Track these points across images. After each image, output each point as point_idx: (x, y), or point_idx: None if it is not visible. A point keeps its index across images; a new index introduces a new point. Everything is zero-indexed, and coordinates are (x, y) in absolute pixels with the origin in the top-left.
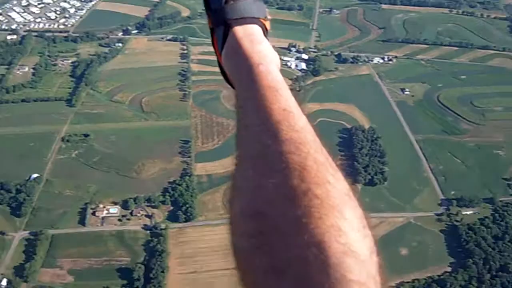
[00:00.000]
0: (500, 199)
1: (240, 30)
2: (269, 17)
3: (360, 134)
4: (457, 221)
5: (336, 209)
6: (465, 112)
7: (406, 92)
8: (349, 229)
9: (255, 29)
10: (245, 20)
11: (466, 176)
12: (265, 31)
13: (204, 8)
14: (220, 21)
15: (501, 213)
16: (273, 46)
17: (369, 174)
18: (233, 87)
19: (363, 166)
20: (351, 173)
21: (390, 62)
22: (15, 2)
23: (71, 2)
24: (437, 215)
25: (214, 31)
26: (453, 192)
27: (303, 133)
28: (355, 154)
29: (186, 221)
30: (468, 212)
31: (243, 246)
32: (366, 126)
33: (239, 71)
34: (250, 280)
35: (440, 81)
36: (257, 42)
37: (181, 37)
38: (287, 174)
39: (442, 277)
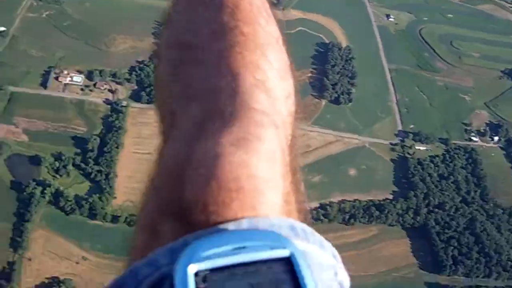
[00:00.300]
0: (454, 141)
1: None
2: None
3: (335, 51)
4: (409, 154)
5: (259, 48)
6: (443, 51)
7: (390, 19)
8: (268, 68)
9: None
10: None
11: (428, 113)
12: None
13: None
14: None
15: (452, 155)
16: None
17: (336, 92)
18: None
19: (332, 83)
20: (319, 88)
21: None
22: None
23: None
24: (392, 144)
25: None
26: (411, 126)
27: None
28: (327, 70)
29: (148, 102)
30: (421, 148)
31: (163, 73)
32: (344, 45)
33: None
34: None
35: (427, 15)
36: None
37: None
38: (219, 10)
39: (382, 202)
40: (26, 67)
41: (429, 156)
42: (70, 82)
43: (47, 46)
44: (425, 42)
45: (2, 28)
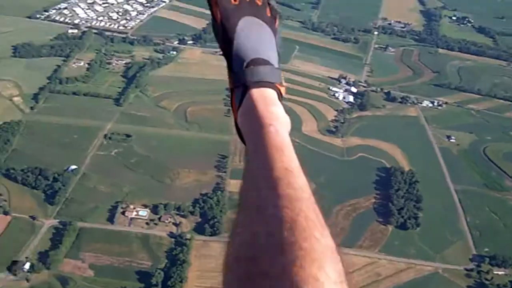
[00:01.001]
0: None
1: (256, 92)
2: (284, 83)
3: (398, 175)
4: (486, 279)
5: (317, 261)
6: (511, 169)
7: (451, 140)
8: (325, 279)
9: (270, 92)
10: (262, 84)
11: (502, 234)
12: (280, 96)
13: (227, 69)
14: (240, 83)
15: None
16: (323, 76)
17: (403, 217)
18: (245, 144)
19: (397, 208)
20: (384, 214)
21: (440, 107)
22: None
23: (134, 6)
24: (467, 270)
25: (233, 91)
26: (486, 249)
27: (299, 191)
28: (391, 195)
29: (211, 235)
30: (499, 272)
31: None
32: (406, 168)
33: (251, 129)
34: None
35: (489, 134)
36: (270, 104)
37: None
38: (279, 226)
39: None
40: (94, 202)
41: (509, 281)
42: (136, 217)
43: (115, 182)
44: (491, 161)
45: (74, 167)
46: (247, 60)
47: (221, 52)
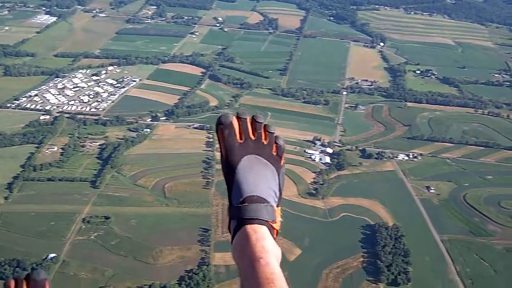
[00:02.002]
0: None
1: (248, 228)
2: (278, 220)
3: (383, 232)
4: None
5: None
6: (492, 213)
7: (431, 190)
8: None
9: (262, 229)
10: (254, 220)
11: (494, 280)
12: (273, 231)
13: (228, 199)
14: (235, 217)
15: None
16: (297, 139)
17: (392, 273)
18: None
19: (386, 264)
20: (374, 272)
21: (415, 159)
22: (51, 84)
23: (105, 87)
24: None
25: (230, 221)
26: None
27: None
28: (378, 251)
29: None
30: None
31: None
32: (390, 223)
33: (243, 263)
34: None
35: (466, 181)
36: (261, 239)
37: (208, 125)
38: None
39: None
40: None
41: None
42: None
43: (97, 267)
44: (472, 207)
45: (53, 255)
46: (243, 196)
47: (194, 126)
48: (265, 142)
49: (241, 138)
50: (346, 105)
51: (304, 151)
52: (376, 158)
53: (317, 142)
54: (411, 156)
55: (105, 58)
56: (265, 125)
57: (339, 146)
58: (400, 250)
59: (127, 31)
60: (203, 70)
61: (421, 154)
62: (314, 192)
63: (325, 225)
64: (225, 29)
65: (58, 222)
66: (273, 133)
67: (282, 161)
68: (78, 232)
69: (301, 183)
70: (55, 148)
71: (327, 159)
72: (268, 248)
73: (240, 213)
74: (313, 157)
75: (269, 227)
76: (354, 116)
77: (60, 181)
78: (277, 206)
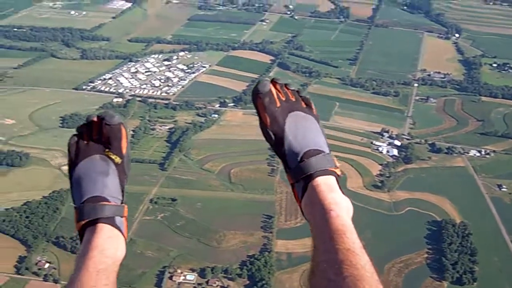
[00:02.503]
0: None
1: (314, 183)
2: (338, 164)
3: (450, 229)
4: None
5: None
6: None
7: (503, 189)
8: None
9: (329, 179)
10: (317, 173)
11: None
12: (337, 177)
13: (284, 167)
14: (298, 177)
15: None
16: (365, 131)
17: (458, 272)
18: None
19: (451, 262)
20: (438, 269)
21: (488, 156)
22: (125, 68)
23: (175, 72)
24: None
25: (294, 186)
26: None
27: (362, 271)
28: (444, 249)
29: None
30: None
31: None
32: (458, 221)
33: (314, 217)
34: None
35: None
36: (329, 191)
37: None
38: None
39: None
40: (142, 268)
41: None
42: (184, 281)
43: (162, 246)
44: None
45: None
46: (300, 155)
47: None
48: (294, 99)
49: (278, 103)
50: (417, 98)
51: (371, 143)
52: (446, 153)
53: (385, 134)
54: (483, 153)
55: (176, 44)
56: (285, 84)
57: (407, 139)
58: (467, 248)
59: (198, 18)
60: (272, 58)
61: (494, 151)
62: (379, 184)
63: (389, 219)
64: (296, 17)
65: (128, 201)
66: (294, 89)
67: (314, 110)
68: (145, 212)
69: (367, 175)
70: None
71: (395, 152)
72: (338, 200)
73: (303, 171)
74: (380, 149)
75: (334, 174)
76: (424, 109)
77: (131, 162)
78: (329, 151)
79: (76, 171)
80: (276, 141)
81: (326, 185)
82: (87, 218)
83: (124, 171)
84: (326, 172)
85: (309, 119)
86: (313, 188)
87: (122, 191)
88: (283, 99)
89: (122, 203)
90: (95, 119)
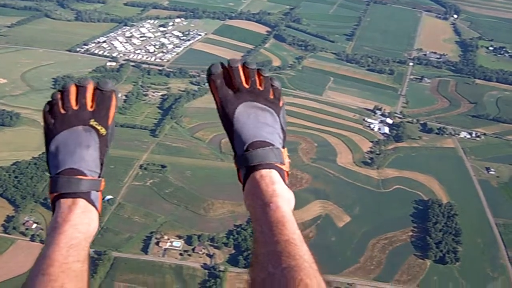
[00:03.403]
0: None
1: (257, 174)
2: (287, 161)
3: (436, 208)
4: None
5: None
6: None
7: (491, 172)
8: None
9: (271, 173)
10: (261, 166)
11: None
12: (283, 173)
13: (232, 150)
14: (242, 165)
15: None
16: (358, 107)
17: (441, 251)
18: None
19: (435, 241)
20: (422, 248)
21: (478, 138)
22: (119, 32)
23: (170, 39)
24: None
25: (238, 170)
26: None
27: (300, 261)
28: (429, 228)
29: (245, 267)
30: None
31: None
32: (444, 201)
33: (254, 209)
34: None
35: None
36: (270, 183)
37: None
38: None
39: None
40: (129, 232)
41: None
42: (170, 247)
43: (150, 212)
44: None
45: (110, 196)
46: (247, 143)
47: None
48: (261, 88)
49: (234, 88)
50: (412, 77)
51: (363, 120)
52: (436, 134)
53: (377, 111)
54: (473, 135)
55: (173, 10)
56: (258, 70)
57: (399, 118)
58: (451, 229)
59: None
60: (269, 29)
61: (484, 134)
62: (369, 161)
63: (377, 196)
64: None
65: (117, 166)
66: (267, 76)
67: (281, 102)
68: (135, 178)
69: (357, 151)
70: (119, 95)
71: (386, 130)
72: (279, 192)
73: (246, 161)
74: (372, 126)
75: (278, 169)
76: (418, 88)
77: (121, 127)
78: (283, 147)
79: (54, 142)
80: (226, 124)
81: (267, 177)
82: (61, 191)
83: (107, 143)
84: (270, 166)
85: (267, 111)
86: (255, 179)
87: (101, 164)
88: (246, 86)
89: (99, 176)
90: (90, 85)
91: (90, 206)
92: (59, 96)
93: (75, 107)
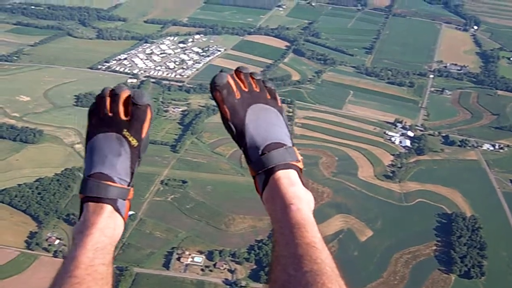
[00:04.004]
0: None
1: (275, 177)
2: (300, 158)
3: (460, 222)
4: None
5: None
6: None
7: None
8: None
9: (289, 173)
10: (278, 167)
11: None
12: (300, 171)
13: (245, 159)
14: (259, 170)
15: None
16: (378, 120)
17: (466, 265)
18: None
19: (459, 256)
20: (446, 262)
21: (501, 150)
22: (140, 49)
23: (190, 55)
24: None
25: (255, 178)
26: None
27: (322, 265)
28: (453, 242)
29: (267, 282)
30: None
31: None
32: (468, 214)
33: (274, 211)
34: None
35: None
36: (290, 185)
37: (288, 99)
38: None
39: None
40: (151, 248)
41: None
42: (191, 262)
43: (171, 228)
44: None
45: (131, 212)
46: (261, 148)
47: None
48: (258, 90)
49: (238, 95)
50: (432, 89)
51: (384, 133)
52: (459, 146)
53: (398, 124)
54: (497, 147)
55: (192, 27)
56: (251, 74)
57: (421, 130)
58: (476, 242)
59: (215, 1)
60: (288, 44)
61: (508, 146)
62: (391, 175)
63: (399, 209)
64: (313, 4)
65: (139, 182)
66: (260, 79)
67: (279, 101)
68: (156, 193)
69: (378, 164)
70: (154, 109)
71: (407, 143)
72: (299, 194)
73: (264, 164)
74: (393, 139)
75: (295, 168)
76: (439, 101)
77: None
78: (293, 145)
79: (91, 142)
80: (237, 134)
81: (287, 178)
82: (90, 194)
83: (139, 154)
84: (287, 166)
85: (272, 111)
86: (274, 182)
87: (132, 174)
88: (245, 90)
89: (129, 185)
90: (124, 94)
91: (115, 213)
92: (100, 99)
93: (110, 114)
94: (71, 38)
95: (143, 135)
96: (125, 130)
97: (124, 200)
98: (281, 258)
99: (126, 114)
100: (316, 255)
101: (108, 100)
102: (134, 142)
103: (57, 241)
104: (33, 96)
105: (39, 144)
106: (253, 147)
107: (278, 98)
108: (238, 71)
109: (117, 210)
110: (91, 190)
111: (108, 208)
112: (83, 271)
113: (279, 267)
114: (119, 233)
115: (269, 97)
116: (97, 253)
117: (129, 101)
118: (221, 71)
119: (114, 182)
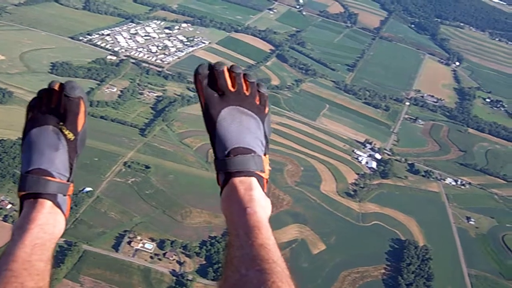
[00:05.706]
0: None
1: (235, 180)
2: (267, 168)
3: (412, 250)
4: None
5: None
6: None
7: (471, 222)
8: None
9: (250, 179)
10: (241, 173)
11: None
12: (262, 180)
13: (213, 152)
14: (221, 170)
15: None
16: (349, 138)
17: None
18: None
19: (406, 283)
20: (392, 286)
21: (463, 186)
22: (125, 28)
23: (174, 42)
24: None
25: (218, 174)
26: None
27: (273, 265)
28: (402, 268)
29: (214, 279)
30: None
31: None
32: (421, 243)
33: (230, 213)
34: None
35: (510, 221)
36: (248, 189)
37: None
38: None
39: None
40: (103, 227)
41: None
42: (141, 248)
43: (127, 210)
44: (509, 249)
45: (89, 188)
46: (228, 149)
47: None
48: (247, 93)
49: (220, 90)
50: (406, 116)
51: (353, 151)
52: (423, 176)
53: (367, 145)
54: (459, 183)
55: (181, 14)
56: (244, 74)
57: (388, 155)
58: (424, 272)
59: None
60: (272, 48)
61: (470, 183)
62: (352, 193)
63: (355, 228)
64: (304, 13)
65: (102, 159)
66: (253, 82)
67: (267, 109)
68: (117, 174)
69: (342, 181)
70: (115, 89)
71: (374, 164)
72: (256, 198)
73: (226, 166)
74: (360, 158)
75: (257, 177)
76: (411, 129)
77: (112, 122)
78: (265, 154)
79: (28, 136)
80: (208, 126)
81: (246, 184)
82: (29, 190)
83: (76, 149)
84: (249, 174)
85: (252, 117)
86: (233, 185)
87: (71, 169)
88: (232, 90)
89: (68, 180)
90: (56, 86)
91: (56, 209)
92: (42, 94)
93: (44, 107)
94: (57, 5)
95: (79, 128)
96: (61, 123)
97: (65, 195)
98: (234, 259)
99: (60, 109)
100: (268, 256)
101: (46, 94)
102: (71, 136)
103: (9, 206)
104: (8, 56)
105: (7, 105)
106: (220, 145)
107: (268, 105)
108: (230, 69)
109: (58, 205)
110: (30, 186)
111: (48, 203)
112: (20, 265)
113: (232, 267)
114: (60, 229)
115: (257, 102)
116: (35, 249)
117: (61, 94)
118: (209, 64)
119: (53, 177)
